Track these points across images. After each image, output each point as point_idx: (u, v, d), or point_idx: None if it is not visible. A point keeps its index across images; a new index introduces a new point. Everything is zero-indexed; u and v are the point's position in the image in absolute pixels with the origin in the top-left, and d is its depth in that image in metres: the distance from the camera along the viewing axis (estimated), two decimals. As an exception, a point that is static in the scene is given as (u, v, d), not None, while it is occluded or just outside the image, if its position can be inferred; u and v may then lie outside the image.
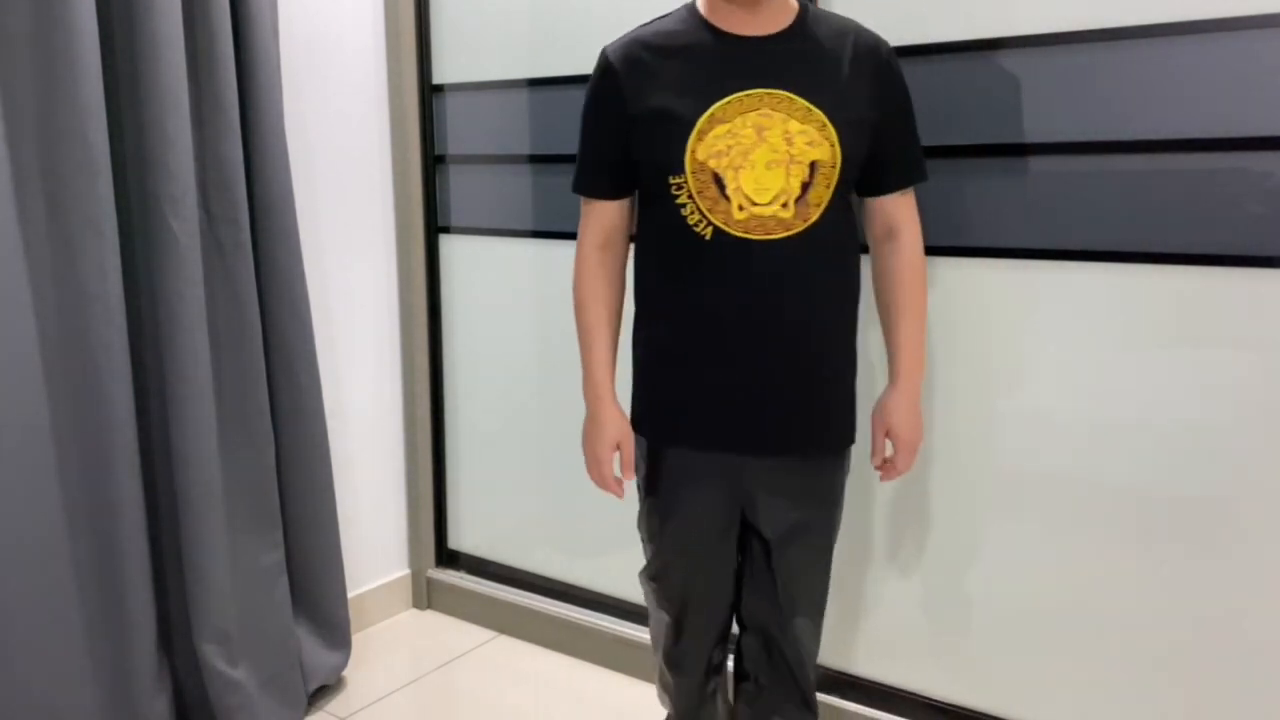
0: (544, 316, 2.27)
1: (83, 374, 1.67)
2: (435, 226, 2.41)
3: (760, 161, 1.32)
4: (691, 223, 1.36)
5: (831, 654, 1.92)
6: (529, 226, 2.25)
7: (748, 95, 1.33)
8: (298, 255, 1.98)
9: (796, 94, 1.33)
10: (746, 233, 1.34)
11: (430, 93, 2.36)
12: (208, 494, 1.82)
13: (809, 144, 1.32)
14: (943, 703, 1.81)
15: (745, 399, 1.40)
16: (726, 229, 1.34)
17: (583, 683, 2.18)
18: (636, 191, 1.47)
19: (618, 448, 1.49)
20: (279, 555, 2.00)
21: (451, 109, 2.34)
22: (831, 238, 1.37)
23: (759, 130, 1.32)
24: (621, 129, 1.40)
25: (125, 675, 1.76)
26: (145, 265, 1.77)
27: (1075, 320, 1.60)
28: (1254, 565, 1.50)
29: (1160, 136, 1.49)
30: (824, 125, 1.33)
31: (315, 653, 2.10)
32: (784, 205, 1.33)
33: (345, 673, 2.19)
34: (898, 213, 1.44)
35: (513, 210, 2.28)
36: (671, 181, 1.35)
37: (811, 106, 1.33)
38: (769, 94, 1.33)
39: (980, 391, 1.71)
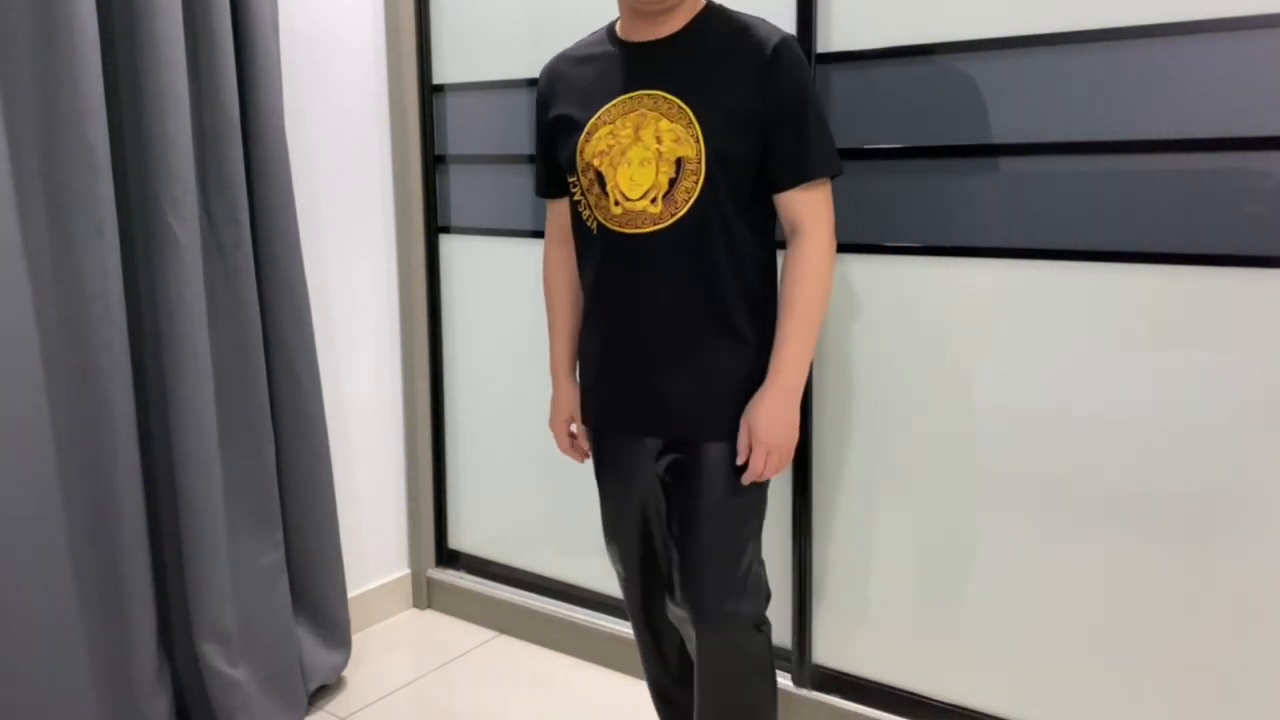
0: (544, 316, 2.26)
1: (83, 374, 1.67)
2: (435, 226, 2.41)
3: (635, 159, 1.39)
4: (584, 218, 1.48)
5: (832, 654, 1.92)
6: (529, 226, 2.25)
7: (631, 97, 1.42)
8: (298, 255, 1.98)
9: (671, 93, 1.39)
10: (621, 227, 1.42)
11: (430, 93, 2.36)
12: (208, 494, 1.82)
13: (675, 141, 1.38)
14: (943, 703, 1.82)
15: (619, 383, 1.51)
16: (607, 224, 1.44)
17: (583, 683, 2.18)
18: None
19: (572, 420, 1.66)
20: (279, 555, 2.00)
21: (451, 109, 2.34)
22: (703, 232, 1.40)
23: (636, 130, 1.40)
24: (547, 136, 1.55)
25: (125, 675, 1.76)
26: (145, 265, 1.77)
27: (1076, 320, 1.60)
28: (1254, 564, 1.50)
29: (1160, 136, 1.49)
30: (690, 122, 1.37)
31: (315, 652, 2.10)
32: (653, 200, 1.39)
33: (345, 673, 2.19)
34: (795, 209, 1.42)
35: (513, 210, 2.28)
36: (569, 180, 1.49)
37: (683, 104, 1.38)
38: (649, 95, 1.41)
39: (981, 391, 1.71)
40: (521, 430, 2.36)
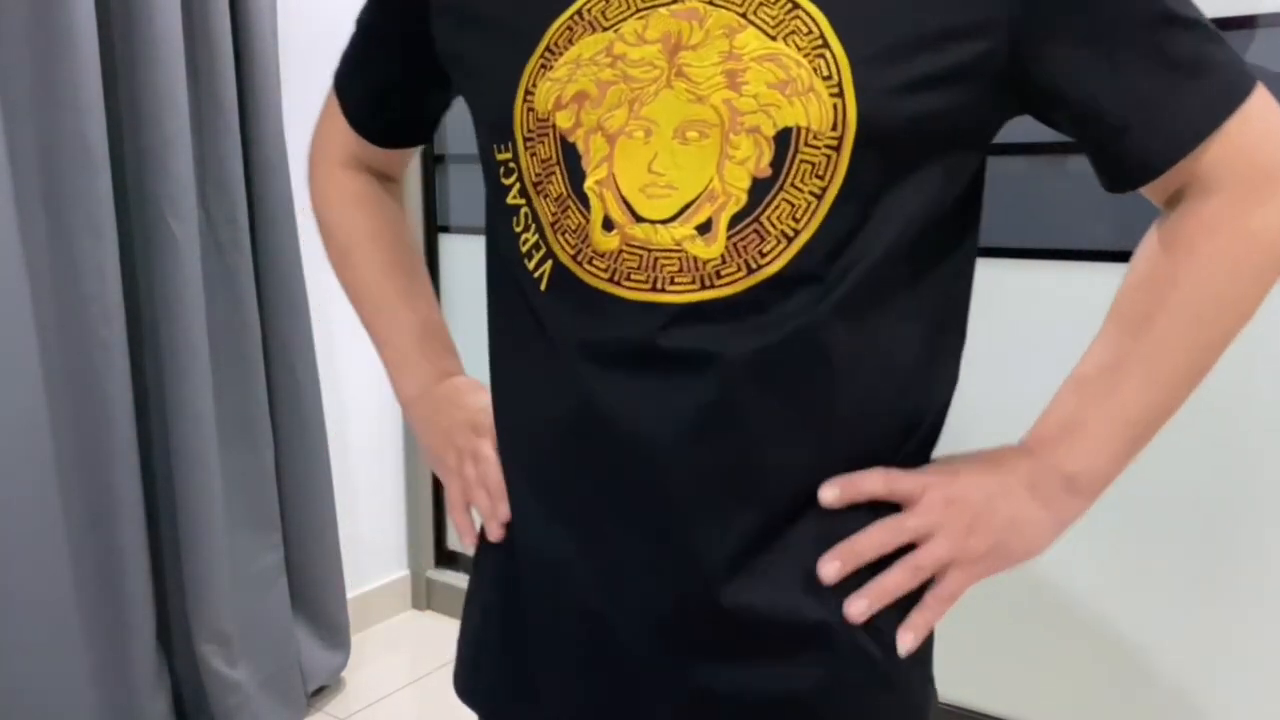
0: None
1: (82, 374, 1.66)
2: (435, 226, 2.40)
3: (667, 121, 0.59)
4: (523, 250, 0.67)
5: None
6: (528, 226, 2.25)
7: None
8: (297, 255, 1.98)
9: None
10: (613, 282, 0.61)
11: (429, 92, 2.36)
12: (207, 494, 1.81)
13: (778, 83, 0.57)
14: (942, 703, 1.81)
15: (595, 657, 0.67)
16: (574, 269, 0.63)
17: (583, 683, 2.18)
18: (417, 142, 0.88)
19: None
20: (278, 556, 1.99)
21: (451, 108, 2.34)
22: (824, 335, 0.60)
23: (671, 47, 0.59)
24: (411, 38, 0.76)
25: (125, 676, 1.75)
26: (144, 265, 1.77)
27: (1075, 320, 1.60)
28: (1254, 565, 1.50)
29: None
30: (820, 41, 0.57)
31: (314, 653, 2.09)
32: (704, 228, 0.59)
33: (345, 673, 2.19)
34: (1197, 166, 0.62)
35: (512, 210, 2.27)
36: (498, 159, 0.69)
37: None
38: None
39: (982, 391, 1.71)
40: (521, 430, 2.35)
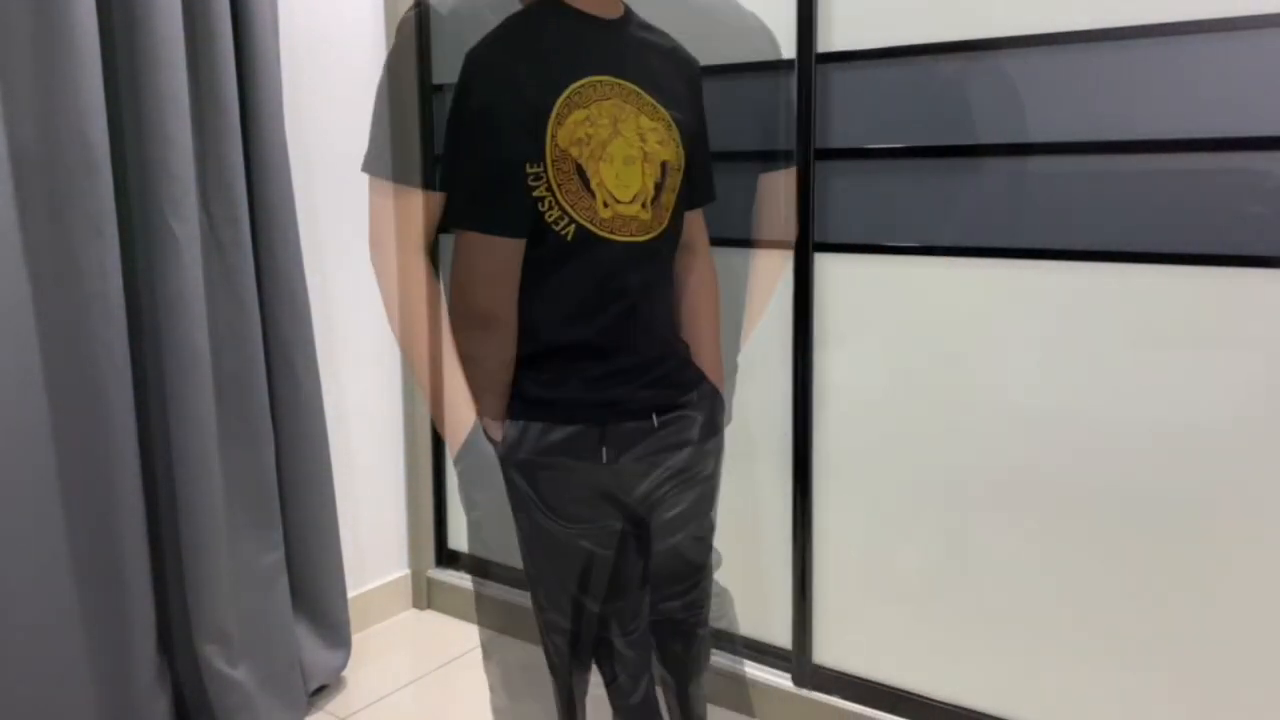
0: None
1: (83, 374, 1.67)
2: (435, 226, 2.40)
3: (618, 155, 1.21)
4: (550, 220, 1.20)
5: (832, 654, 1.92)
6: (529, 226, 2.25)
7: (600, 82, 1.22)
8: (298, 255, 1.98)
9: (643, 89, 1.25)
10: (612, 233, 1.21)
11: (430, 93, 2.36)
12: (207, 494, 1.82)
13: (660, 143, 1.25)
14: (943, 703, 1.81)
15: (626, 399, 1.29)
16: (591, 228, 1.20)
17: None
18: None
19: None
20: (279, 555, 2.00)
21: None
22: (674, 246, 1.33)
23: (614, 122, 1.22)
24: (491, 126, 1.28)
25: (125, 676, 1.75)
26: (145, 265, 1.77)
27: (1076, 320, 1.60)
28: (1253, 566, 1.50)
29: (1160, 136, 1.49)
30: (670, 125, 1.26)
31: (315, 653, 2.10)
32: (643, 205, 1.23)
33: (345, 673, 2.19)
34: (696, 231, 1.42)
35: (512, 210, 2.27)
36: (529, 170, 1.19)
37: (657, 105, 1.26)
38: (618, 84, 1.24)
39: (981, 391, 1.71)
40: (521, 430, 2.35)
